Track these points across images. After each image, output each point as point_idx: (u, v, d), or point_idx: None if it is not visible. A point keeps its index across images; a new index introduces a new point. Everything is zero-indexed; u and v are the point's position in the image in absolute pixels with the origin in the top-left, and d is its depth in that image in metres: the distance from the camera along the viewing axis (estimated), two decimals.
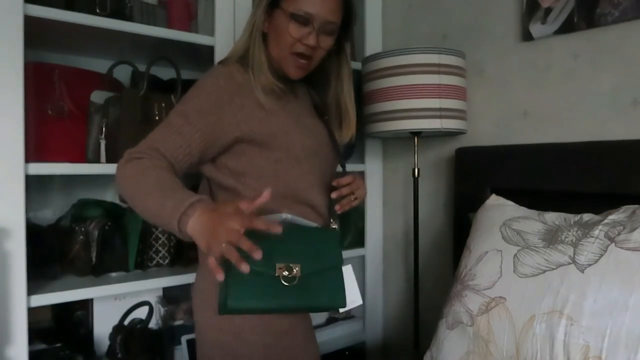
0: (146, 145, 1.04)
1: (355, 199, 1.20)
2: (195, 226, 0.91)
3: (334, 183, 1.17)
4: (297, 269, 1.01)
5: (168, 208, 0.93)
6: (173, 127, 1.05)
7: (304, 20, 1.07)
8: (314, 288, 1.02)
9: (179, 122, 1.06)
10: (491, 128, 1.63)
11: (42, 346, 1.42)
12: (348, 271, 1.14)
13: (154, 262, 1.57)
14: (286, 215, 1.04)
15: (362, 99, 1.68)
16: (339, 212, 1.19)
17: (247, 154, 1.10)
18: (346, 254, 1.71)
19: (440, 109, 1.51)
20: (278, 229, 0.90)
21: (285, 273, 0.99)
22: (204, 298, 1.12)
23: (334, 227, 1.17)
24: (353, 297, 1.14)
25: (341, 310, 1.10)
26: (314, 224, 1.10)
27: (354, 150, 1.97)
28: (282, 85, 1.12)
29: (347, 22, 1.17)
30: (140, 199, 0.98)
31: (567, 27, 1.41)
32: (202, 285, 1.15)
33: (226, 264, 0.95)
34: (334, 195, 1.16)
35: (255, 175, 1.11)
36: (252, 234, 0.99)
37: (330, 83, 1.23)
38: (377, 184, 2.01)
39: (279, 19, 1.09)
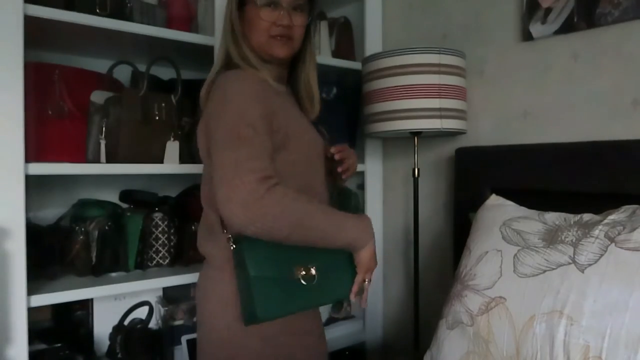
0: (260, 166, 0.98)
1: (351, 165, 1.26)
2: (371, 248, 1.11)
3: (332, 150, 1.20)
4: (313, 269, 1.06)
5: (348, 227, 1.07)
6: (252, 142, 1.00)
7: (272, 3, 1.11)
8: (331, 281, 1.09)
9: (250, 133, 1.00)
10: (491, 128, 1.63)
11: (42, 346, 1.42)
12: None
13: (154, 262, 1.57)
14: None
15: (362, 99, 1.68)
16: (344, 178, 1.26)
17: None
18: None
19: (440, 109, 1.51)
20: None
21: (303, 273, 1.05)
22: (226, 302, 1.09)
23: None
24: None
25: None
26: None
27: (354, 149, 1.97)
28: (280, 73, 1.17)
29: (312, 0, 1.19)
30: (308, 221, 1.01)
31: (567, 27, 1.41)
32: (223, 291, 1.11)
33: (243, 276, 1.02)
34: (337, 156, 1.20)
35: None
36: (254, 248, 1.03)
37: (304, 64, 1.23)
38: (377, 184, 2.01)
39: (250, 12, 1.13)
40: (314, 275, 1.06)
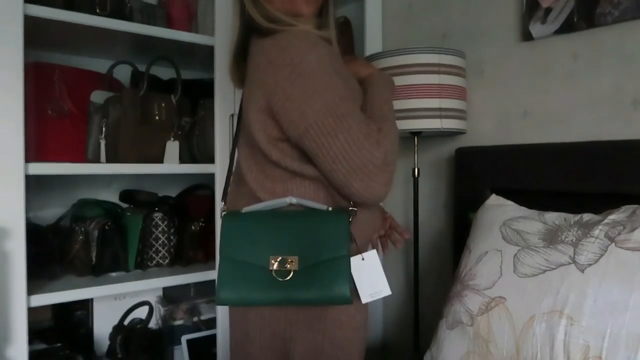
0: (368, 131, 0.94)
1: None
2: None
3: (406, 236, 1.22)
4: (294, 261, 0.94)
5: (383, 96, 1.09)
6: (353, 113, 0.94)
7: None
8: (314, 281, 0.94)
9: (347, 105, 0.94)
10: (491, 128, 1.63)
11: (42, 346, 1.42)
12: (373, 258, 1.04)
13: (154, 262, 1.57)
14: (291, 199, 0.99)
15: None
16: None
17: None
18: None
19: (440, 109, 1.51)
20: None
21: (276, 267, 0.94)
22: None
23: (351, 208, 1.00)
24: (379, 287, 1.03)
25: (364, 301, 1.02)
26: (323, 207, 1.00)
27: None
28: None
29: None
30: (395, 136, 1.03)
31: (567, 27, 1.41)
32: None
33: (221, 256, 0.96)
34: (406, 236, 1.22)
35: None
36: (248, 220, 0.98)
37: (327, 16, 1.16)
38: None
39: None
40: (289, 271, 0.94)
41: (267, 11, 1.03)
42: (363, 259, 1.02)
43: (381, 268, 1.04)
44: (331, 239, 0.96)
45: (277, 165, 1.01)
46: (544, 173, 1.38)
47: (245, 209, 1.02)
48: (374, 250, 1.04)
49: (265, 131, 0.99)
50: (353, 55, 1.17)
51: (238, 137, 1.13)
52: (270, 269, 0.94)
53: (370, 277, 1.03)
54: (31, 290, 1.24)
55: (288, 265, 0.94)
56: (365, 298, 1.02)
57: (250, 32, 1.06)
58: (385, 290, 1.03)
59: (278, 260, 0.95)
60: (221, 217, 1.01)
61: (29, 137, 1.25)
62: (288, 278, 0.94)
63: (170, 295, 1.72)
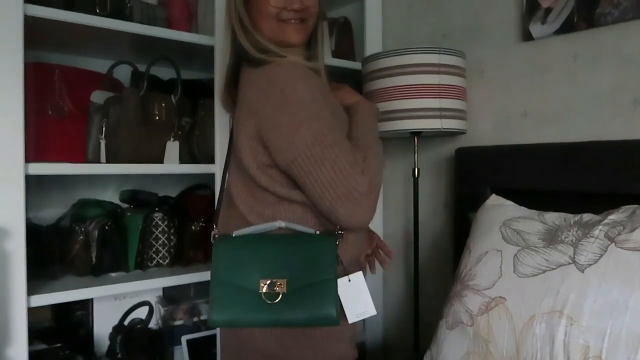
0: (354, 160, 0.98)
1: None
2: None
3: (390, 255, 1.27)
4: (282, 284, 0.98)
5: (369, 125, 1.12)
6: (340, 143, 0.98)
7: None
8: (302, 303, 0.97)
9: (334, 135, 0.98)
10: (491, 128, 1.63)
11: (42, 346, 1.42)
12: (359, 280, 1.07)
13: (154, 262, 1.57)
14: (280, 223, 1.02)
15: None
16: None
17: None
18: None
19: (440, 109, 1.51)
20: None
21: (265, 290, 0.97)
22: None
23: (338, 232, 1.03)
24: (364, 308, 1.06)
25: (351, 321, 1.04)
26: (311, 230, 1.03)
27: None
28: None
29: None
30: (380, 166, 1.05)
31: (567, 27, 1.41)
32: None
33: (212, 279, 1.00)
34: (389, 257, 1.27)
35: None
36: (238, 243, 1.01)
37: (316, 45, 1.18)
38: None
39: (258, 1, 1.06)
40: (278, 294, 0.97)
41: (258, 42, 1.06)
42: (350, 280, 1.05)
43: (367, 289, 1.07)
44: (319, 262, 0.99)
45: (266, 190, 1.05)
46: (543, 173, 1.38)
47: (236, 233, 1.05)
48: (360, 272, 1.07)
49: (255, 158, 1.03)
50: (339, 84, 1.20)
51: (229, 160, 1.17)
52: (260, 291, 0.98)
53: (356, 298, 1.05)
54: (31, 290, 1.24)
55: (277, 288, 0.97)
56: (351, 318, 1.05)
57: (241, 60, 1.09)
58: (371, 311, 1.06)
59: (267, 283, 0.98)
60: (212, 240, 1.05)
61: (29, 137, 1.25)
62: (277, 300, 0.97)
63: (170, 296, 1.72)
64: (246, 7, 1.09)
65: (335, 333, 1.07)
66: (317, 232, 1.03)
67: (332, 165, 0.95)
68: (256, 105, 1.00)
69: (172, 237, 1.59)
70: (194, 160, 1.58)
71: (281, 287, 0.98)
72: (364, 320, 1.97)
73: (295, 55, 1.06)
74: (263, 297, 0.97)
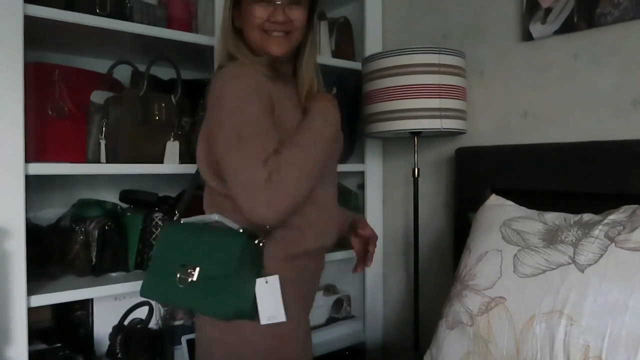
0: (263, 153, 0.98)
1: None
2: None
3: (371, 250, 1.31)
4: (193, 272, 1.04)
5: (317, 125, 1.10)
6: (256, 138, 1.00)
7: None
8: (211, 293, 1.03)
9: (252, 129, 1.00)
10: (491, 128, 1.63)
11: (42, 346, 1.42)
12: (274, 283, 1.07)
13: None
14: (214, 216, 1.07)
15: (362, 99, 1.68)
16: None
17: None
18: (346, 254, 1.72)
19: (440, 109, 1.51)
20: None
21: (179, 274, 1.05)
22: None
23: (266, 230, 1.07)
24: (273, 312, 1.07)
25: (262, 322, 1.05)
26: (235, 226, 1.06)
27: (354, 148, 1.97)
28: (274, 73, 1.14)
29: None
30: (312, 164, 1.03)
31: (567, 27, 1.41)
32: None
33: (152, 253, 1.12)
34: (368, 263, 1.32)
35: None
36: (178, 229, 1.13)
37: (303, 57, 1.19)
38: (377, 184, 2.01)
39: (246, 10, 1.11)
40: (188, 279, 1.04)
41: (236, 47, 1.12)
42: (267, 282, 1.06)
43: (279, 294, 1.07)
44: (224, 257, 1.03)
45: (208, 183, 1.15)
46: (544, 173, 1.38)
47: (184, 220, 1.15)
48: (277, 276, 1.07)
49: (202, 152, 1.14)
50: (321, 93, 1.22)
51: None
52: (177, 275, 1.06)
53: (270, 300, 1.06)
54: (31, 290, 1.24)
55: (188, 275, 1.05)
56: (263, 320, 1.06)
57: (228, 61, 1.16)
58: (280, 316, 1.07)
59: (182, 268, 1.06)
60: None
61: (29, 137, 1.25)
62: (186, 286, 1.04)
63: None
64: (238, 14, 1.14)
65: (266, 327, 1.07)
66: (241, 229, 1.05)
67: (241, 156, 0.98)
68: (207, 106, 1.10)
69: None
70: (194, 160, 1.58)
71: (191, 275, 1.04)
72: (364, 320, 1.97)
73: (255, 62, 1.10)
74: (177, 280, 1.05)
